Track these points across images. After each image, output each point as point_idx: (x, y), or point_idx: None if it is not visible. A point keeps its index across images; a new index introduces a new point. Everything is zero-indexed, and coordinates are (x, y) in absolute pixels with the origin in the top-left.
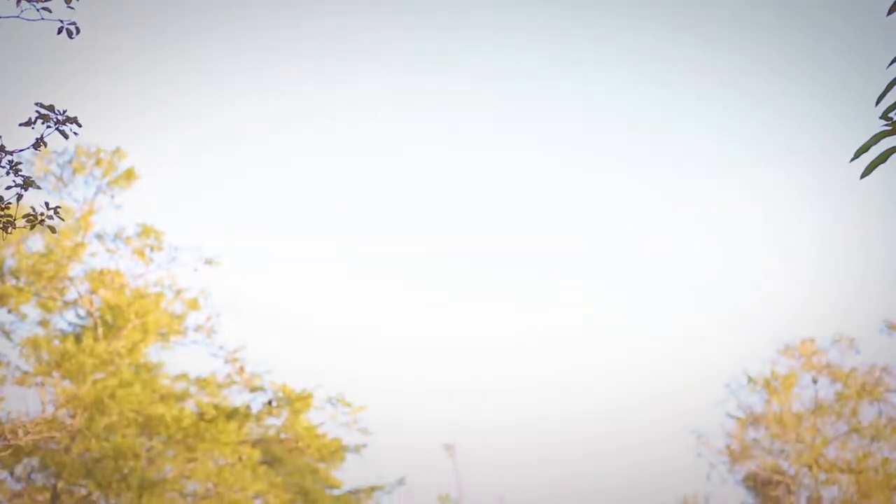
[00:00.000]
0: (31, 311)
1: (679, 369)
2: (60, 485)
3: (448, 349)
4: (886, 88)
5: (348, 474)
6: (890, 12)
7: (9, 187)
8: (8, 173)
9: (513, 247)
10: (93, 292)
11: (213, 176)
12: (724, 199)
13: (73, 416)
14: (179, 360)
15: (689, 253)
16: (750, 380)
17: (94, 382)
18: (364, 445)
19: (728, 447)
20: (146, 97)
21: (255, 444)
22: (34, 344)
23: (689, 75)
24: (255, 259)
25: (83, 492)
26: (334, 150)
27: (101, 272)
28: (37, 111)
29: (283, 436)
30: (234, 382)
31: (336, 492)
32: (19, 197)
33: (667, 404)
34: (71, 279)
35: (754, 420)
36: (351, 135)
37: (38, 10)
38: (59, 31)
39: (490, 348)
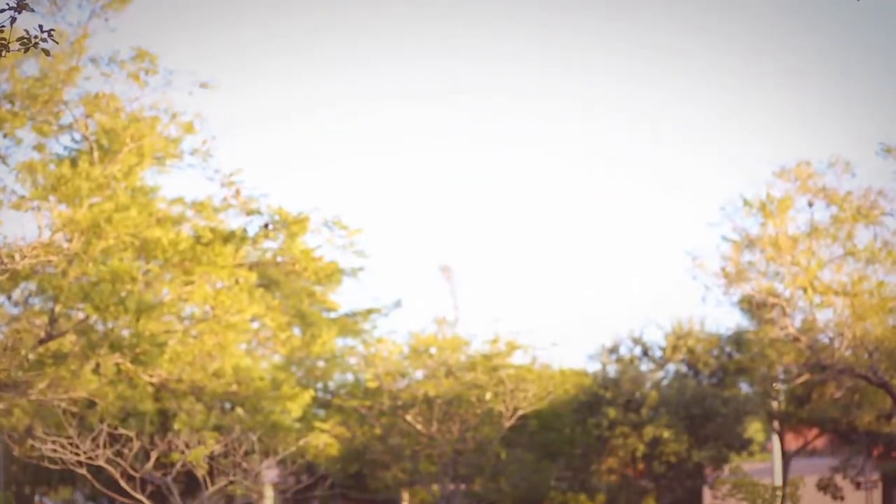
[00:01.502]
0: (27, 135)
1: (675, 192)
2: (58, 308)
3: (443, 166)
4: None
5: (345, 297)
6: None
7: (2, 10)
8: None
9: (510, 66)
10: (88, 116)
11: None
12: (721, 21)
13: (69, 240)
14: (175, 184)
15: (687, 75)
16: (745, 202)
17: (91, 206)
18: (361, 268)
19: (723, 269)
20: None
21: (251, 267)
22: (30, 168)
23: None
24: (251, 85)
25: (80, 315)
26: None
27: (96, 96)
28: None
29: (279, 259)
30: (230, 206)
31: (333, 314)
32: (13, 20)
33: (662, 227)
34: (66, 103)
35: (750, 243)
36: None
37: None
38: None
39: (485, 165)
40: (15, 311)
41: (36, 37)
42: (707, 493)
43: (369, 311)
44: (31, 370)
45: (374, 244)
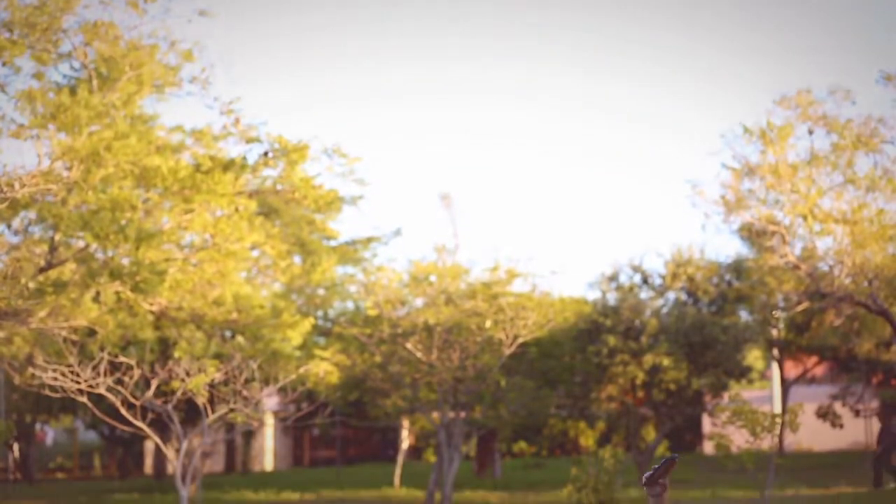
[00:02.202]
0: (26, 63)
1: (675, 120)
2: (58, 237)
3: (444, 95)
4: None
5: (345, 226)
6: None
7: None
8: None
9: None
10: (87, 44)
11: None
12: None
13: (69, 169)
14: (175, 112)
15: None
16: (745, 130)
17: (90, 134)
18: (361, 197)
19: (723, 197)
20: None
21: (251, 195)
22: (29, 96)
23: None
24: (251, 11)
25: (80, 243)
26: None
27: (95, 24)
28: None
29: (279, 187)
30: (229, 134)
31: (333, 243)
32: None
33: (663, 155)
34: (65, 31)
35: (749, 171)
36: None
37: None
38: None
39: (487, 94)
40: (15, 239)
41: None
42: (706, 421)
43: (369, 240)
44: (31, 298)
45: (373, 172)
